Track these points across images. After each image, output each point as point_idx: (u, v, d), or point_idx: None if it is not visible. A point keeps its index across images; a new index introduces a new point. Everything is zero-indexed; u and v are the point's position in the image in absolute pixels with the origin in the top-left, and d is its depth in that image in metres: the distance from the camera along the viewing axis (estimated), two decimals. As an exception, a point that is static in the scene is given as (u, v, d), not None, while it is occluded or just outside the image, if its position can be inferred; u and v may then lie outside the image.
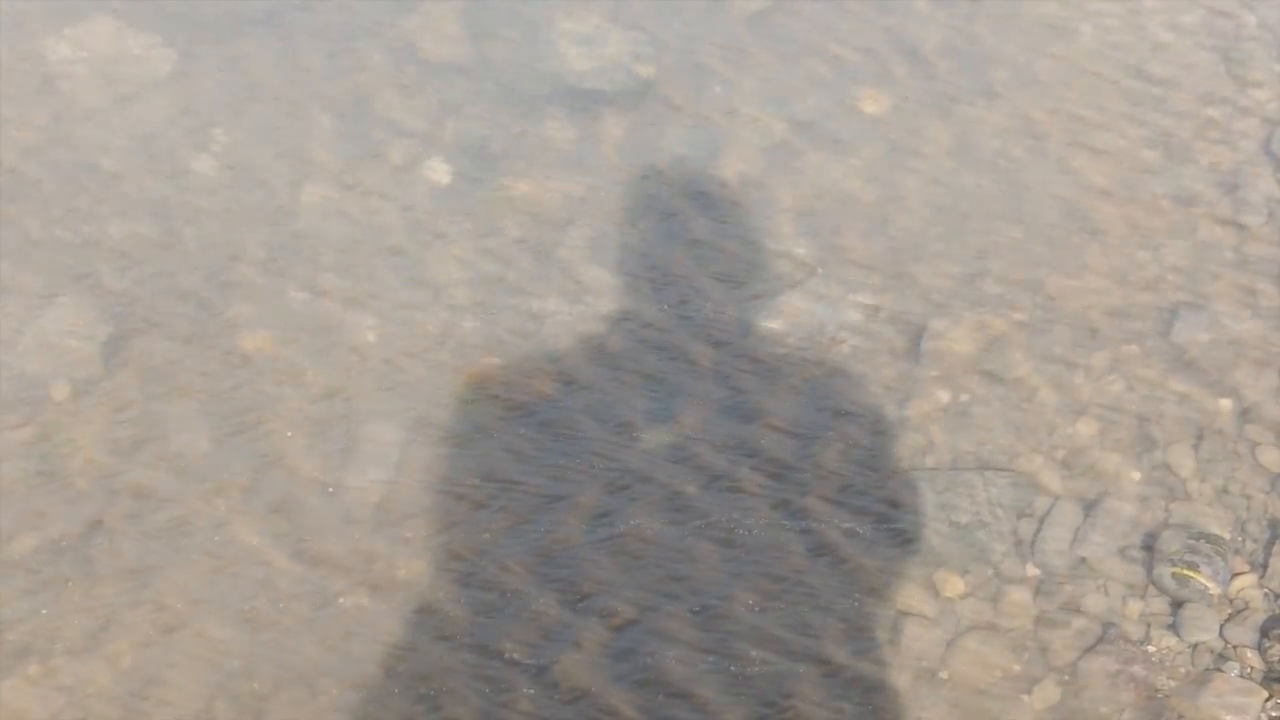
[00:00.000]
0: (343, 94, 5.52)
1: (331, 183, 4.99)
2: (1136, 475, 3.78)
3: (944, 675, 3.26)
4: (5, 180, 5.00)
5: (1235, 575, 3.50)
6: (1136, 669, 3.28)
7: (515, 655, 3.31)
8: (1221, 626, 3.37)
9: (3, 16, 5.96)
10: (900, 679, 3.24)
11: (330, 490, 3.74)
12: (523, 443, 3.88)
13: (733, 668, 3.29)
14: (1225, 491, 3.73)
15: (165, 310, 4.38)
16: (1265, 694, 3.22)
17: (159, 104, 5.45)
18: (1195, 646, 3.33)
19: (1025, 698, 3.20)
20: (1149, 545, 3.57)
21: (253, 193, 4.93)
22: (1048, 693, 3.22)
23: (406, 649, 3.36)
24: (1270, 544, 3.57)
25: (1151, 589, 3.46)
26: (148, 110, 5.41)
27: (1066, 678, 3.25)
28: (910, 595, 3.44)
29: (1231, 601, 3.43)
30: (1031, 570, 3.50)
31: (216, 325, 4.31)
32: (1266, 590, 3.46)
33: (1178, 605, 3.42)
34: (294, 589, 3.50)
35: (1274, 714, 3.18)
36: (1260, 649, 3.32)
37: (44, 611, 3.43)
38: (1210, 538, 3.58)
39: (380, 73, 5.66)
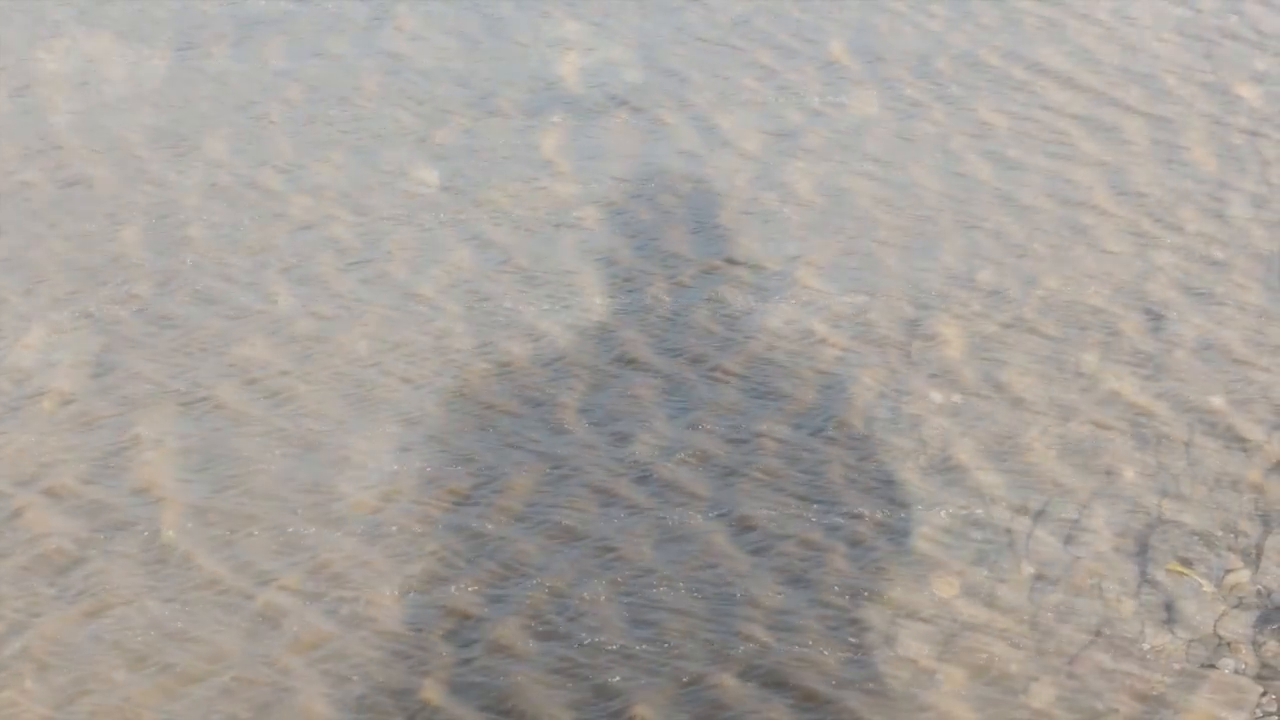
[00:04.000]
0: (329, 103, 5.51)
1: (319, 192, 4.98)
2: (1129, 473, 3.79)
3: (940, 676, 3.25)
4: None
5: (1229, 572, 3.51)
6: (1131, 666, 3.28)
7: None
8: (1216, 623, 3.38)
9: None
10: (896, 680, 3.24)
11: (320, 505, 3.72)
12: (522, 451, 3.87)
13: (709, 682, 3.29)
14: (1218, 488, 3.74)
15: (153, 323, 4.35)
16: (1260, 689, 3.23)
17: (145, 116, 5.44)
18: (1190, 643, 3.33)
19: (1022, 697, 3.20)
20: (1142, 543, 3.58)
21: (240, 204, 4.92)
22: (1044, 691, 3.22)
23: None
24: (1263, 540, 3.58)
25: (1145, 586, 3.46)
26: (134, 122, 5.39)
27: (1062, 676, 3.25)
28: (905, 596, 3.43)
29: (1225, 598, 3.44)
30: (1026, 569, 3.50)
31: (206, 337, 4.29)
32: (1260, 586, 3.47)
33: (1172, 602, 3.43)
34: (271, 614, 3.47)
35: (1269, 709, 3.19)
36: (1254, 645, 3.33)
37: (29, 633, 3.40)
38: (1203, 535, 3.59)
39: (366, 81, 5.66)
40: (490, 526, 3.62)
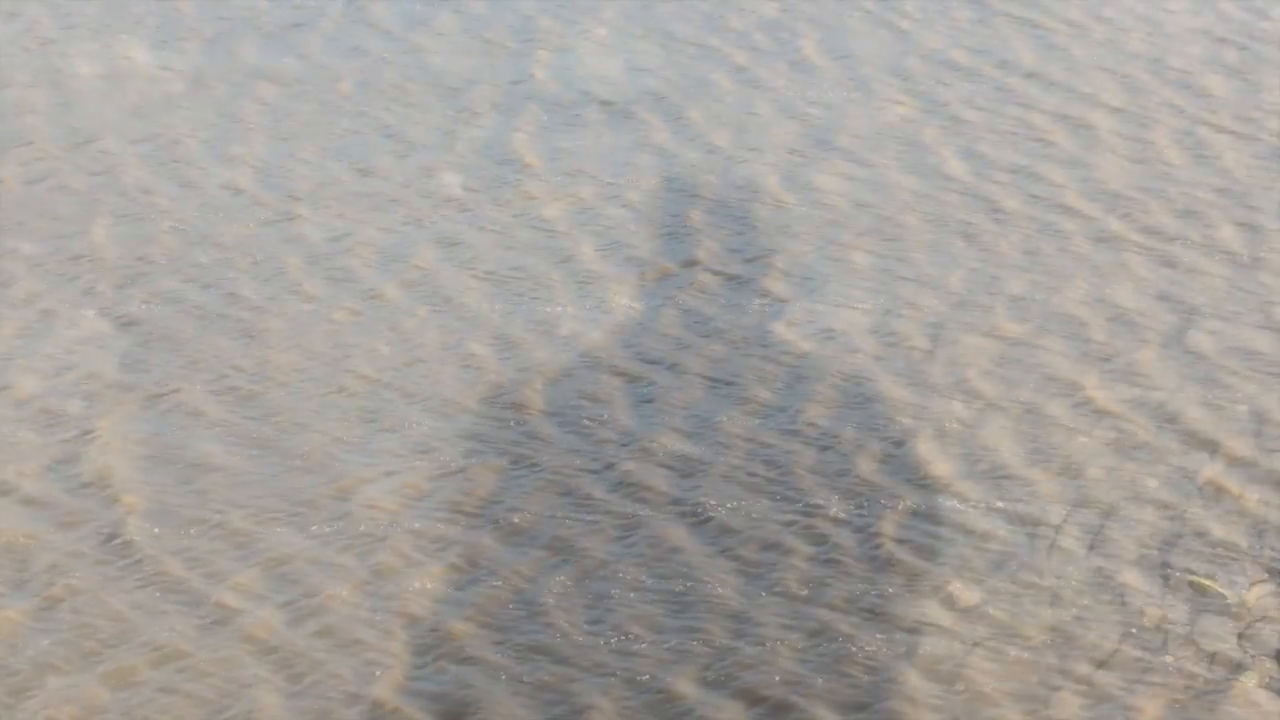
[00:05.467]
0: (354, 106, 5.53)
1: (344, 196, 5.00)
2: (1152, 483, 3.77)
3: (960, 687, 3.24)
4: (25, 195, 5.02)
5: (1253, 584, 3.48)
6: (1154, 679, 3.27)
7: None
8: (1239, 635, 3.36)
9: (22, 35, 5.98)
10: (917, 691, 3.23)
11: (343, 506, 3.73)
12: (545, 458, 3.88)
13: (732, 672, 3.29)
14: (1242, 499, 3.71)
15: (182, 326, 4.38)
16: (1285, 703, 3.21)
17: (175, 119, 5.47)
18: (1213, 655, 3.31)
19: (1043, 709, 3.19)
20: (1165, 554, 3.56)
21: (267, 207, 4.94)
22: (1065, 704, 3.20)
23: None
24: (1288, 552, 3.56)
25: (1168, 598, 3.44)
26: (164, 125, 5.43)
27: (1084, 688, 3.24)
28: (925, 606, 3.42)
29: (1249, 610, 3.42)
30: (1048, 579, 3.49)
31: (232, 341, 4.31)
32: (1284, 599, 3.45)
33: (1195, 614, 3.41)
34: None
35: (1293, 723, 3.17)
36: (1279, 659, 3.30)
37: (45, 641, 3.41)
38: (1227, 546, 3.57)
39: (391, 84, 5.68)
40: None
